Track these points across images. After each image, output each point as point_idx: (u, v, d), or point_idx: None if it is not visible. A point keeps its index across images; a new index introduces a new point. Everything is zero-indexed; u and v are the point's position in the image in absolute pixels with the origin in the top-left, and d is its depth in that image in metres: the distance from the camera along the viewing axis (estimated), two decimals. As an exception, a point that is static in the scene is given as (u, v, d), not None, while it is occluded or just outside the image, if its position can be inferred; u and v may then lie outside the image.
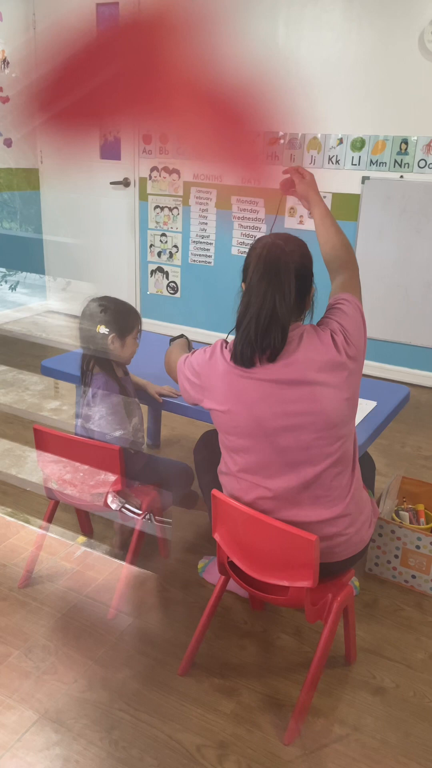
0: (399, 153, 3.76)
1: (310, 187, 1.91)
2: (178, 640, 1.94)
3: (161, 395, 2.22)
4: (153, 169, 4.62)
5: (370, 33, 3.68)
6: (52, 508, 2.18)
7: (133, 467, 2.07)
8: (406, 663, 1.91)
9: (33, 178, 5.10)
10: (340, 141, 3.91)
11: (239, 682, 1.83)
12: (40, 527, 2.27)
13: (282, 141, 4.06)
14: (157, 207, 4.71)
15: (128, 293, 4.95)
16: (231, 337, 1.66)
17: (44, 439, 2.02)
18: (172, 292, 4.84)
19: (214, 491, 1.71)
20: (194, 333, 4.49)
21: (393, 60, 3.65)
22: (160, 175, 4.61)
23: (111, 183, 4.80)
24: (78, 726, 1.67)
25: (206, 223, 4.53)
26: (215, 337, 1.73)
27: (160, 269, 4.85)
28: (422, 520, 2.33)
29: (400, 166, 3.78)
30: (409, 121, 3.68)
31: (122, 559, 2.23)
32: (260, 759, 1.60)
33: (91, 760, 1.59)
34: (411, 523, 2.30)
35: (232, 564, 1.74)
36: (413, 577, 2.20)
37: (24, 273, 5.21)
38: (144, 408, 2.27)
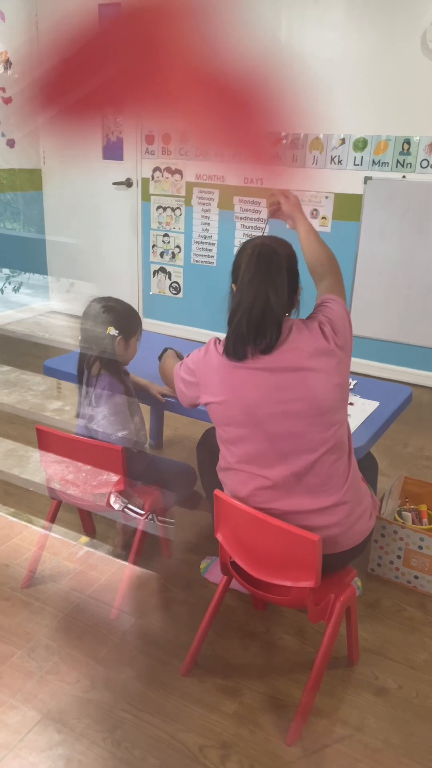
0: (401, 153, 3.76)
1: (295, 207, 2.03)
2: (181, 641, 1.94)
3: (163, 395, 2.22)
4: (155, 169, 4.62)
5: (372, 33, 3.68)
6: (54, 508, 2.18)
7: (136, 467, 2.07)
8: (409, 664, 1.91)
9: (36, 178, 5.11)
10: (343, 141, 3.91)
11: (242, 682, 1.83)
12: (43, 527, 2.27)
13: (284, 141, 4.06)
14: (159, 207, 4.71)
15: (130, 294, 4.96)
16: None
17: (47, 440, 2.02)
18: (174, 292, 4.85)
19: (217, 491, 1.71)
20: (196, 333, 4.50)
21: (395, 60, 3.64)
22: (162, 176, 4.61)
23: (114, 183, 4.80)
24: (81, 726, 1.68)
25: (209, 224, 4.53)
26: (218, 337, 1.75)
27: (162, 269, 4.85)
28: (425, 520, 2.32)
29: (403, 166, 3.77)
30: (412, 121, 3.68)
31: (125, 559, 2.23)
32: (262, 759, 1.60)
33: (93, 760, 1.59)
34: (413, 523, 2.29)
35: (234, 564, 1.74)
36: (416, 577, 2.19)
37: (27, 273, 5.22)
38: (146, 408, 2.28)
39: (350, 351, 1.70)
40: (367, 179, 3.88)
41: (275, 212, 2.08)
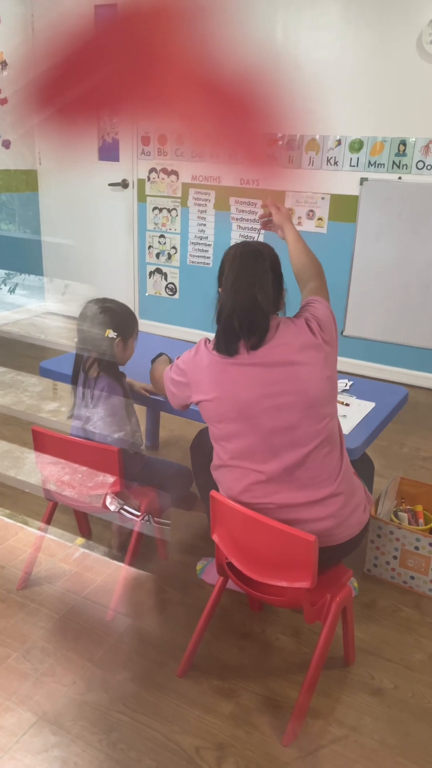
0: (397, 154, 3.77)
1: (285, 218, 2.11)
2: (177, 642, 1.94)
3: (147, 391, 2.24)
4: (151, 170, 4.62)
5: (368, 34, 3.68)
6: (50, 509, 2.17)
7: (132, 469, 2.06)
8: (405, 664, 1.91)
9: (31, 179, 5.10)
10: (339, 142, 3.92)
11: (238, 683, 1.83)
12: (39, 529, 2.27)
13: (280, 142, 4.07)
14: (155, 208, 4.71)
15: (126, 295, 4.95)
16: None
17: (43, 441, 2.02)
18: (170, 293, 4.85)
19: (213, 492, 1.71)
20: (192, 334, 4.50)
21: (391, 61, 3.65)
22: (158, 177, 4.61)
23: (109, 184, 4.80)
24: (76, 728, 1.67)
25: (205, 225, 4.53)
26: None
27: (158, 270, 4.85)
28: (421, 521, 2.33)
29: (399, 167, 3.78)
30: (408, 123, 3.69)
31: (121, 560, 2.23)
32: (258, 760, 1.60)
33: (89, 762, 1.58)
34: (409, 524, 2.30)
35: (230, 565, 1.74)
36: (412, 578, 2.20)
37: (22, 275, 5.21)
38: (141, 409, 2.28)
39: (336, 348, 1.77)
40: (363, 180, 3.89)
41: (267, 224, 2.19)
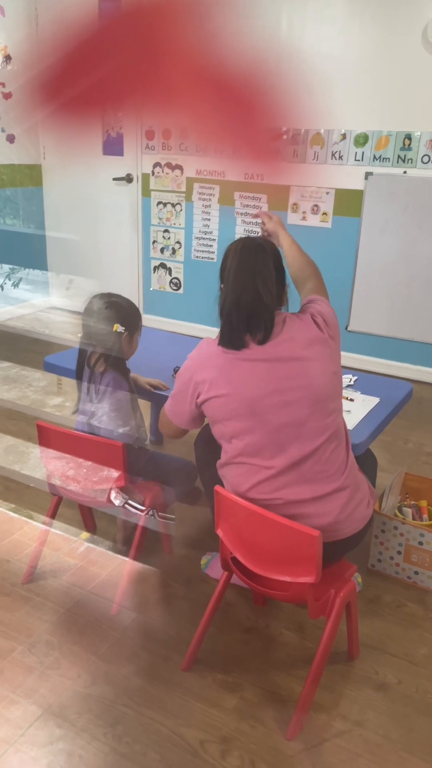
0: (402, 148, 3.75)
1: (277, 225, 2.14)
2: (181, 636, 1.94)
3: (152, 386, 2.24)
4: (156, 165, 4.61)
5: (373, 27, 3.66)
6: (55, 504, 2.18)
7: (136, 463, 2.07)
8: (409, 659, 1.92)
9: (36, 174, 5.10)
10: (344, 136, 3.90)
11: (242, 677, 1.83)
12: (44, 523, 2.28)
13: (285, 136, 4.05)
14: (159, 203, 4.70)
15: (131, 289, 4.95)
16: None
17: (47, 436, 2.02)
18: (175, 288, 4.84)
19: (217, 487, 1.72)
20: (197, 329, 4.49)
21: (396, 55, 3.63)
22: (162, 171, 4.60)
23: (114, 179, 4.79)
24: (81, 721, 1.68)
25: (209, 219, 4.52)
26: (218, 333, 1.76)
27: (162, 265, 4.84)
28: (425, 516, 2.33)
29: (404, 161, 3.76)
30: (413, 117, 3.67)
31: (125, 555, 2.23)
32: (263, 754, 1.61)
33: (94, 755, 1.59)
34: (414, 519, 2.30)
35: (234, 560, 1.74)
36: (416, 573, 2.20)
37: (27, 269, 5.21)
38: (146, 404, 2.28)
39: (339, 344, 1.78)
40: (368, 175, 3.87)
41: (260, 234, 2.21)
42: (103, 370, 2.05)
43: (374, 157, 3.85)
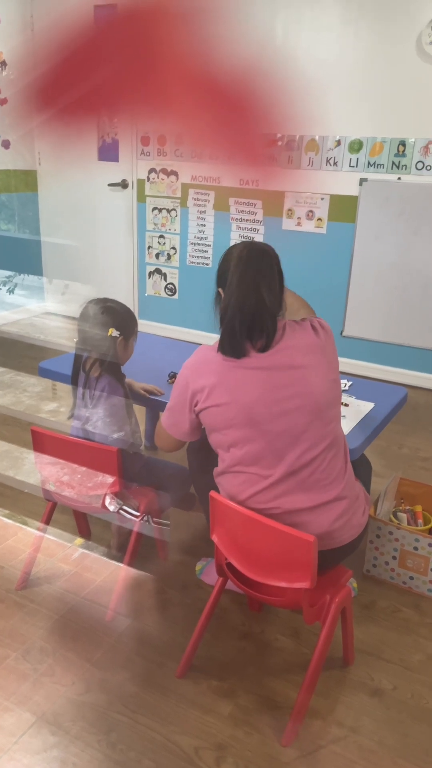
0: (397, 155, 3.77)
1: None
2: (176, 642, 1.93)
3: (147, 391, 2.24)
4: (151, 170, 4.62)
5: (368, 35, 3.69)
6: (49, 509, 2.17)
7: (131, 469, 2.06)
8: (404, 665, 1.91)
9: (31, 179, 5.10)
10: (338, 143, 3.92)
11: (237, 683, 1.83)
12: (38, 529, 2.27)
13: (280, 143, 4.07)
14: (155, 209, 4.71)
15: (126, 295, 4.95)
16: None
17: (42, 441, 2.02)
18: (170, 293, 4.85)
19: (212, 493, 1.71)
20: (192, 335, 4.50)
21: (391, 62, 3.65)
22: (158, 177, 4.61)
23: (109, 185, 4.80)
24: (75, 728, 1.67)
25: (204, 225, 4.53)
26: (213, 339, 1.75)
27: (158, 271, 4.85)
28: (420, 521, 2.33)
29: (398, 167, 3.78)
30: (407, 123, 3.69)
31: (120, 560, 2.23)
32: (258, 761, 1.60)
33: (88, 763, 1.58)
34: (409, 524, 2.30)
35: (230, 565, 1.74)
36: (411, 578, 2.20)
37: (22, 275, 5.21)
38: (141, 410, 2.27)
39: (336, 354, 1.78)
40: (362, 181, 3.89)
41: None
42: (98, 375, 2.05)
43: (369, 163, 3.87)
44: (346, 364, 4.10)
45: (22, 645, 1.92)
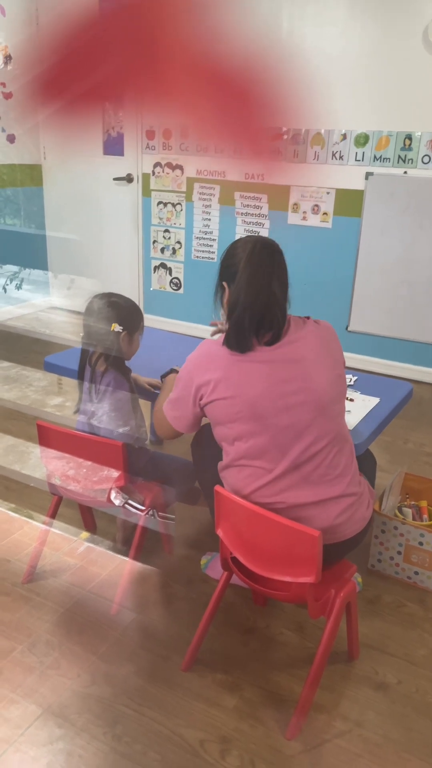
0: (403, 149, 3.75)
1: None
2: (181, 636, 1.94)
3: (152, 385, 2.24)
4: (156, 164, 4.61)
5: (373, 28, 3.66)
6: (55, 503, 2.18)
7: (136, 463, 2.07)
8: (409, 659, 1.92)
9: (36, 174, 5.10)
10: (344, 137, 3.90)
11: (242, 677, 1.83)
12: (44, 523, 2.28)
13: (285, 136, 4.05)
14: (160, 203, 4.70)
15: (131, 289, 4.95)
16: (216, 337, 1.75)
17: (47, 435, 2.02)
18: (175, 288, 4.84)
19: (217, 487, 1.71)
20: (197, 329, 4.49)
21: (397, 55, 3.63)
22: (163, 171, 4.61)
23: (114, 179, 4.79)
24: (81, 721, 1.68)
25: (209, 219, 4.52)
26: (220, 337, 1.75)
27: (163, 265, 4.84)
28: (425, 516, 2.33)
29: (404, 161, 3.76)
30: (413, 117, 3.67)
31: (125, 554, 2.23)
32: (262, 754, 1.61)
33: (94, 755, 1.59)
34: (414, 519, 2.30)
35: (234, 560, 1.74)
36: (416, 573, 2.20)
37: (27, 269, 5.21)
38: (146, 404, 2.28)
39: (341, 350, 1.78)
40: (368, 175, 3.88)
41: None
42: (104, 369, 2.05)
43: (375, 157, 3.85)
44: (351, 359, 4.08)
45: (28, 638, 1.93)
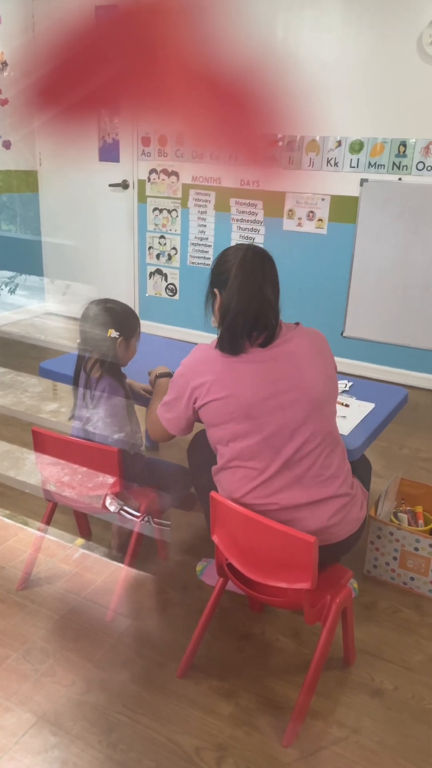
0: (397, 155, 3.77)
1: None
2: (177, 643, 1.93)
3: (147, 391, 2.24)
4: (152, 171, 4.63)
5: (368, 35, 3.69)
6: (50, 510, 2.17)
7: (132, 469, 2.06)
8: (405, 665, 1.91)
9: (32, 180, 5.10)
10: (339, 143, 3.92)
11: (238, 684, 1.83)
12: (39, 529, 2.27)
13: (281, 143, 4.07)
14: (155, 209, 4.71)
15: (127, 295, 4.95)
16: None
17: (42, 441, 2.02)
18: (170, 294, 4.85)
19: (213, 493, 1.71)
20: (192, 335, 4.50)
21: (391, 62, 3.66)
22: (158, 177, 4.62)
23: (110, 185, 4.80)
24: (76, 728, 1.67)
25: (205, 225, 4.53)
26: (214, 339, 1.77)
27: (158, 271, 4.85)
28: (420, 522, 2.33)
29: (399, 168, 3.78)
30: (408, 124, 3.69)
31: (120, 561, 2.23)
32: (258, 761, 1.60)
33: (89, 763, 1.58)
34: (409, 525, 2.30)
35: (230, 566, 1.74)
36: (412, 579, 2.20)
37: (23, 275, 5.21)
38: (142, 410, 2.27)
39: (332, 354, 1.81)
40: (363, 181, 3.89)
41: None
42: (99, 375, 2.05)
43: (369, 163, 3.87)
44: (346, 364, 4.11)
45: (22, 645, 1.92)
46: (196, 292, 4.71)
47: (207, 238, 4.55)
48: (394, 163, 3.79)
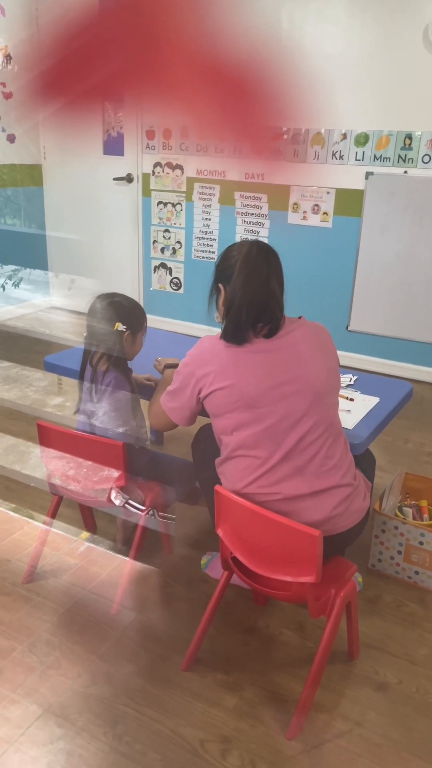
0: (403, 148, 3.75)
1: None
2: (182, 636, 1.94)
3: (149, 380, 2.25)
4: (156, 164, 4.61)
5: (374, 27, 3.66)
6: (55, 503, 2.18)
7: (137, 463, 2.07)
8: (409, 659, 1.92)
9: (36, 174, 5.10)
10: (344, 136, 3.90)
11: (242, 677, 1.83)
12: (44, 523, 2.28)
13: (286, 136, 4.05)
14: (160, 203, 4.70)
15: (131, 289, 4.95)
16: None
17: (48, 435, 2.02)
18: (175, 288, 4.84)
19: (217, 487, 1.72)
20: (197, 329, 4.49)
21: (397, 55, 3.63)
22: (163, 171, 4.60)
23: (114, 179, 4.79)
24: (82, 720, 1.68)
25: (210, 219, 4.52)
26: (219, 332, 1.78)
27: (163, 265, 4.84)
28: (425, 516, 2.33)
29: (404, 161, 3.76)
30: (414, 117, 3.67)
31: (125, 554, 2.23)
32: (263, 754, 1.61)
33: (94, 755, 1.59)
34: (414, 519, 2.30)
35: (235, 559, 1.74)
36: (416, 573, 2.20)
37: (27, 269, 5.21)
38: (146, 404, 2.28)
39: (334, 347, 1.83)
40: (368, 174, 3.87)
41: None
42: (105, 369, 2.05)
43: (375, 156, 3.85)
44: (351, 358, 4.10)
45: (28, 638, 1.93)
46: (200, 286, 4.70)
47: (212, 232, 4.54)
48: (399, 156, 3.77)
